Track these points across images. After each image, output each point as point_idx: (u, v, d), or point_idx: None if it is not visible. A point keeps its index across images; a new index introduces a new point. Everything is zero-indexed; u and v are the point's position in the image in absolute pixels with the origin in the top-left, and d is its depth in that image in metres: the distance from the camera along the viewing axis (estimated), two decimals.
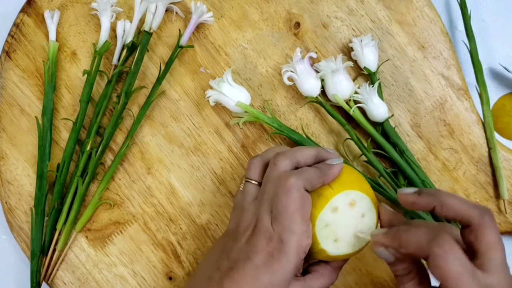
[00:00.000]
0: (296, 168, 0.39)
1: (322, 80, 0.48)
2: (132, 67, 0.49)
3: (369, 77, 0.49)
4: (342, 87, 0.47)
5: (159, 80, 0.49)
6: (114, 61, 0.50)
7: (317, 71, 0.48)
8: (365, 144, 0.48)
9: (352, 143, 0.49)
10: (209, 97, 0.48)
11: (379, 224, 0.39)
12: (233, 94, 0.47)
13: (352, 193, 0.38)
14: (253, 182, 0.41)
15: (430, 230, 0.35)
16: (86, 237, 0.50)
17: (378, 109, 0.47)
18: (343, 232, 0.38)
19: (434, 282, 0.35)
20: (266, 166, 0.41)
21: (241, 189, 0.41)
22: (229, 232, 0.40)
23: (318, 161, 0.40)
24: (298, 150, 0.40)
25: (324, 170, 0.38)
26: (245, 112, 0.48)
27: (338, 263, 0.41)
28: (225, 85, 0.47)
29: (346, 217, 0.38)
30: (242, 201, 0.40)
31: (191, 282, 0.40)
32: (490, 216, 0.35)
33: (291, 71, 0.48)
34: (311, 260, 0.41)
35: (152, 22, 0.49)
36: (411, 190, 0.38)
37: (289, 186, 0.37)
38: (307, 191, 0.37)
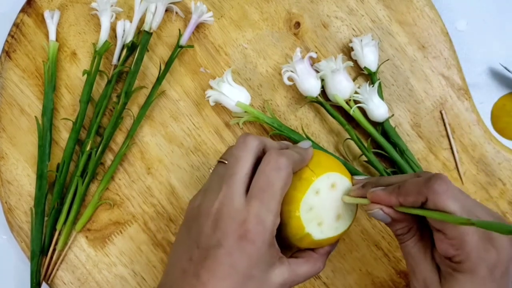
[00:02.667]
0: (264, 151, 0.39)
1: (322, 80, 0.48)
2: (132, 67, 0.49)
3: (369, 77, 0.49)
4: (342, 87, 0.47)
5: (159, 80, 0.49)
6: (114, 61, 0.50)
7: (317, 71, 0.48)
8: (365, 144, 0.48)
9: (352, 143, 0.49)
10: (209, 97, 0.48)
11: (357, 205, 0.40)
12: (233, 94, 0.47)
13: (332, 175, 0.39)
14: (225, 162, 0.39)
15: (425, 175, 0.35)
16: (86, 237, 0.50)
17: (378, 109, 0.47)
18: (326, 215, 0.38)
19: None
20: None
21: (211, 170, 0.40)
22: (191, 215, 0.38)
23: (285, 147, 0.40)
24: (266, 138, 0.40)
25: (302, 153, 0.39)
26: (245, 112, 0.48)
27: (323, 250, 0.40)
28: (225, 85, 0.47)
29: (328, 199, 0.38)
30: (210, 182, 0.39)
31: (165, 279, 0.38)
32: (438, 180, 0.34)
33: (291, 71, 0.48)
34: (295, 249, 0.41)
35: (152, 22, 0.49)
36: (361, 179, 0.39)
37: (280, 164, 0.36)
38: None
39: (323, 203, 0.38)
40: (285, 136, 0.48)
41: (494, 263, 0.33)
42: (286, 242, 0.40)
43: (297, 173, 0.39)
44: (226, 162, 0.39)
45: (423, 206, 0.34)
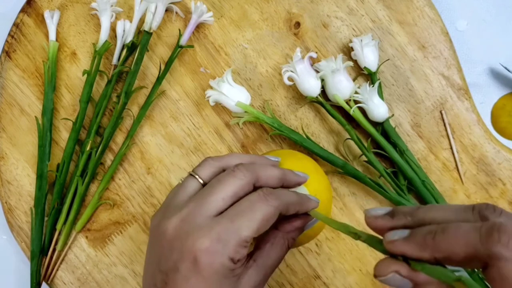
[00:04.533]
0: (254, 186, 0.34)
1: (322, 80, 0.48)
2: (132, 67, 0.49)
3: (369, 77, 0.49)
4: (342, 87, 0.47)
5: (159, 80, 0.49)
6: (114, 61, 0.50)
7: (317, 71, 0.48)
8: (365, 144, 0.48)
9: (352, 143, 0.49)
10: (209, 97, 0.48)
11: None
12: (233, 94, 0.47)
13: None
14: (199, 179, 0.35)
15: (474, 224, 0.25)
16: (86, 237, 0.50)
17: (378, 109, 0.47)
18: None
19: None
20: (221, 171, 0.36)
21: (180, 182, 0.35)
22: (152, 235, 0.34)
23: (283, 185, 0.36)
24: (262, 167, 0.35)
25: (303, 199, 0.35)
26: (245, 112, 0.48)
27: (290, 225, 0.36)
28: (225, 85, 0.47)
29: None
30: (174, 197, 0.35)
31: None
32: (501, 234, 0.24)
33: (291, 71, 0.48)
34: None
35: (152, 22, 0.49)
36: (381, 211, 0.30)
37: (269, 200, 0.32)
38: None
39: None
40: (285, 136, 0.48)
41: None
42: None
43: None
44: (201, 179, 0.35)
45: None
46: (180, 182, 0.36)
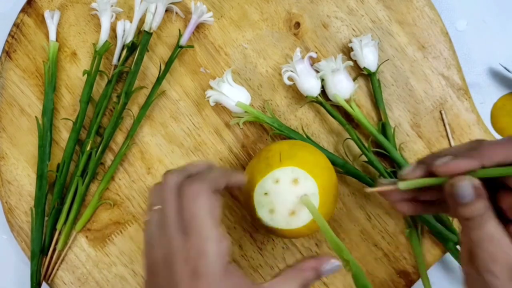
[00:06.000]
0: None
1: (322, 80, 0.48)
2: (132, 67, 0.49)
3: (369, 77, 0.49)
4: (342, 86, 0.47)
5: (159, 80, 0.49)
6: (114, 61, 0.50)
7: (317, 71, 0.48)
8: (365, 144, 0.48)
9: (352, 143, 0.49)
10: (209, 97, 0.48)
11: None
12: (233, 94, 0.47)
13: (298, 171, 0.39)
14: (156, 207, 0.36)
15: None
16: (86, 237, 0.50)
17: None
18: (280, 206, 0.39)
19: None
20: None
21: (146, 220, 0.37)
22: (147, 272, 0.36)
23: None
24: (189, 164, 0.38)
25: (228, 176, 0.37)
26: (245, 112, 0.48)
27: (307, 265, 0.36)
28: (225, 85, 0.47)
29: (285, 192, 0.39)
30: (149, 234, 0.36)
31: None
32: None
33: (291, 71, 0.48)
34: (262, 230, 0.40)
35: (152, 22, 0.49)
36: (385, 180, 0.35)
37: (194, 191, 0.34)
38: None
39: (280, 193, 0.39)
40: (285, 136, 0.48)
41: None
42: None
43: (266, 157, 0.40)
44: (156, 207, 0.36)
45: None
46: (146, 220, 0.37)
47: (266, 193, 0.40)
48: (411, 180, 0.33)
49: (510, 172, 0.29)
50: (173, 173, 0.36)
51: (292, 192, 0.39)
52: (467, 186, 0.31)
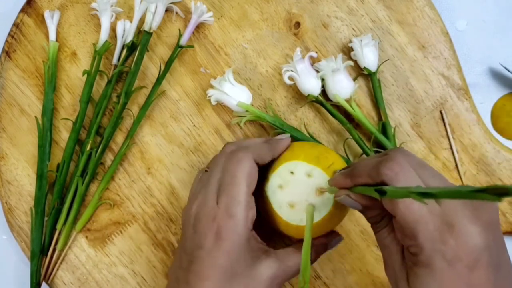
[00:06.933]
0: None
1: (322, 80, 0.48)
2: (132, 67, 0.49)
3: (369, 77, 0.49)
4: (342, 86, 0.47)
5: (159, 80, 0.49)
6: (114, 61, 0.50)
7: (317, 71, 0.48)
8: (365, 143, 0.48)
9: (352, 142, 0.49)
10: (210, 96, 0.48)
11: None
12: (235, 93, 0.47)
13: (312, 168, 0.39)
14: (208, 168, 0.41)
15: (381, 155, 0.33)
16: (86, 237, 0.50)
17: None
18: (297, 198, 0.39)
19: None
20: None
21: (198, 179, 0.41)
22: (182, 225, 0.40)
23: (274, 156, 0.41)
24: (247, 139, 0.42)
25: (272, 144, 0.40)
26: (246, 111, 0.48)
27: (317, 241, 0.40)
28: (226, 84, 0.47)
29: (301, 183, 0.39)
30: (193, 191, 0.40)
31: None
32: (389, 163, 0.31)
33: (292, 71, 0.48)
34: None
35: (152, 22, 0.49)
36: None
37: (239, 157, 0.37)
38: (257, 164, 0.38)
39: (296, 186, 0.39)
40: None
41: (454, 256, 0.29)
42: (282, 233, 0.41)
43: (279, 156, 0.41)
44: (208, 169, 0.40)
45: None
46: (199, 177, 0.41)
47: (281, 186, 0.39)
48: (330, 187, 0.37)
49: (369, 192, 0.30)
50: (231, 144, 0.41)
51: (307, 184, 0.39)
52: (345, 199, 0.34)
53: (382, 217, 0.34)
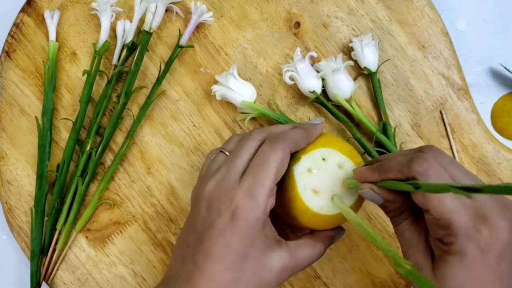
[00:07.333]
0: None
1: (323, 80, 0.48)
2: (132, 67, 0.49)
3: (369, 77, 0.49)
4: (343, 86, 0.47)
5: (159, 80, 0.49)
6: (114, 61, 0.50)
7: (317, 71, 0.48)
8: (366, 143, 0.48)
9: (353, 141, 0.49)
10: (215, 91, 0.48)
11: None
12: (240, 89, 0.47)
13: (345, 158, 0.39)
14: (226, 152, 0.39)
15: (411, 152, 0.34)
16: (86, 237, 0.50)
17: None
18: (324, 187, 0.38)
19: None
20: None
21: (212, 158, 0.40)
22: (191, 204, 0.38)
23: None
24: (274, 125, 0.41)
25: (308, 130, 0.39)
26: (250, 108, 0.48)
27: (324, 233, 0.40)
28: (232, 79, 0.47)
29: (331, 174, 0.39)
30: (207, 169, 0.39)
31: (168, 270, 0.38)
32: (420, 160, 0.32)
33: (292, 71, 0.48)
34: (298, 232, 0.41)
35: (152, 22, 0.49)
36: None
37: (275, 146, 0.36)
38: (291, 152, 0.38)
39: (325, 173, 0.38)
40: None
41: (487, 245, 0.31)
42: (292, 222, 0.40)
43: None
44: (227, 152, 0.39)
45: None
46: (212, 158, 0.40)
47: (310, 170, 0.38)
48: (350, 180, 0.38)
49: (399, 186, 0.32)
50: (262, 130, 0.40)
51: (337, 174, 0.39)
52: (368, 192, 0.35)
53: (401, 212, 0.35)
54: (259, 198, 0.34)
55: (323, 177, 0.38)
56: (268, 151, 0.36)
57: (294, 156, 0.39)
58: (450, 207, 0.31)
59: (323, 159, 0.39)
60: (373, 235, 0.32)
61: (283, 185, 0.39)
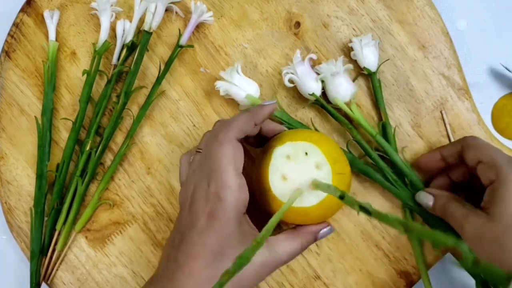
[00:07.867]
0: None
1: (323, 82, 0.48)
2: (131, 67, 0.49)
3: (369, 77, 0.49)
4: (342, 89, 0.47)
5: (159, 80, 0.49)
6: (114, 61, 0.50)
7: (317, 73, 0.48)
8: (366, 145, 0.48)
9: (353, 143, 0.49)
10: (219, 87, 0.47)
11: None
12: (244, 85, 0.47)
13: (324, 160, 0.40)
14: (200, 151, 0.41)
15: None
16: (86, 237, 0.50)
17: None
18: (295, 176, 0.39)
19: None
20: None
21: (190, 160, 0.41)
22: (180, 206, 0.40)
23: (258, 122, 0.41)
24: (237, 115, 0.42)
25: (254, 111, 0.40)
26: (253, 105, 0.47)
27: (306, 228, 0.41)
28: (236, 75, 0.47)
29: (306, 168, 0.39)
30: (188, 173, 0.41)
31: (156, 270, 0.40)
32: (470, 136, 0.43)
33: (292, 73, 0.47)
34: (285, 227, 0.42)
35: (152, 22, 0.49)
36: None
37: (219, 140, 0.37)
38: (246, 137, 0.39)
39: (301, 166, 0.39)
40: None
41: None
42: (259, 201, 0.41)
43: (303, 132, 0.42)
44: (201, 150, 0.40)
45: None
46: (190, 160, 0.42)
47: (287, 156, 0.40)
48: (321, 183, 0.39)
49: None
50: (218, 121, 0.41)
51: (306, 165, 0.39)
52: (423, 196, 0.44)
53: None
54: (226, 199, 0.36)
55: (296, 169, 0.39)
56: (216, 150, 0.37)
57: (281, 139, 0.41)
58: (493, 153, 0.39)
59: (306, 153, 0.40)
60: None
61: (262, 159, 0.41)
